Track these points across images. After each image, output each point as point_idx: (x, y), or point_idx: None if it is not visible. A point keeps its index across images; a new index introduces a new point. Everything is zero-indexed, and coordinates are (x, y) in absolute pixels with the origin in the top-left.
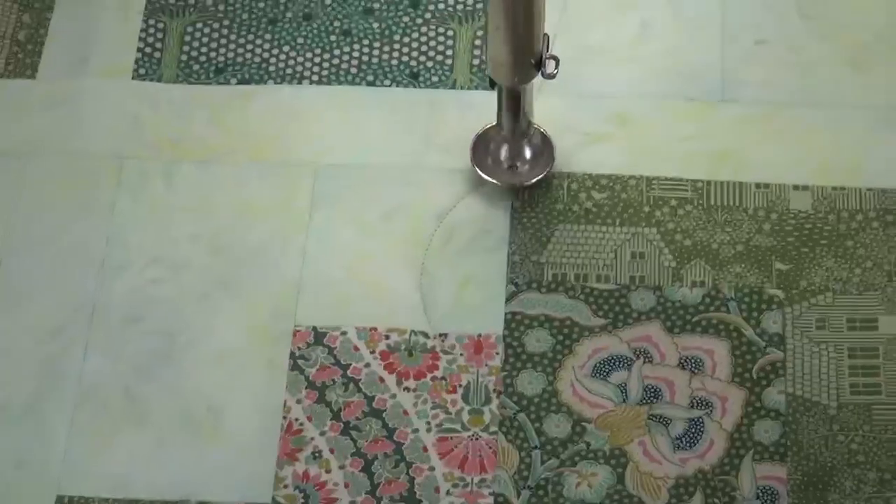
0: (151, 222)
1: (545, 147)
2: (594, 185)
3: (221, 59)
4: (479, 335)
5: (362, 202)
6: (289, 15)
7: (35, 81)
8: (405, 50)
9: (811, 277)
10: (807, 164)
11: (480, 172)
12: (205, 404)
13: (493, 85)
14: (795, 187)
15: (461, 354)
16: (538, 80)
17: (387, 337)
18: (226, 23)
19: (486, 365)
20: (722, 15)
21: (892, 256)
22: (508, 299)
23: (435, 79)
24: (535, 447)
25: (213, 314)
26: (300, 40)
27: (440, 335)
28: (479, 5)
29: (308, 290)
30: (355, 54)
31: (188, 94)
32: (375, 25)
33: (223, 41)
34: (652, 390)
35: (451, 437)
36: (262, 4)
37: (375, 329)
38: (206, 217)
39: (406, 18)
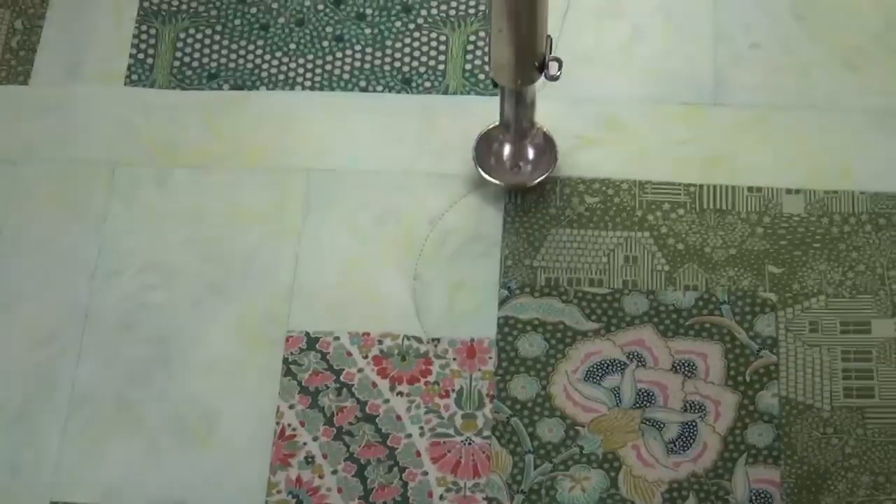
0: (144, 228)
1: (548, 147)
2: (587, 189)
3: (214, 64)
4: (472, 340)
5: (355, 207)
6: (281, 21)
7: (28, 88)
8: (398, 55)
9: (804, 281)
10: (799, 167)
11: (483, 173)
12: (198, 410)
13: (495, 85)
14: (788, 191)
15: (454, 359)
16: (541, 81)
17: (380, 342)
18: (218, 28)
19: (479, 369)
20: (714, 18)
21: (885, 260)
22: (501, 304)
23: (427, 84)
24: (529, 451)
25: (206, 320)
26: (292, 46)
27: (433, 340)
28: (472, 10)
29: (301, 295)
30: (348, 60)
31: (181, 99)
32: (368, 31)
33: (216, 47)
34: (645, 394)
35: (445, 442)
36: (254, 10)
37: (368, 334)
38: (198, 223)
39: (398, 24)
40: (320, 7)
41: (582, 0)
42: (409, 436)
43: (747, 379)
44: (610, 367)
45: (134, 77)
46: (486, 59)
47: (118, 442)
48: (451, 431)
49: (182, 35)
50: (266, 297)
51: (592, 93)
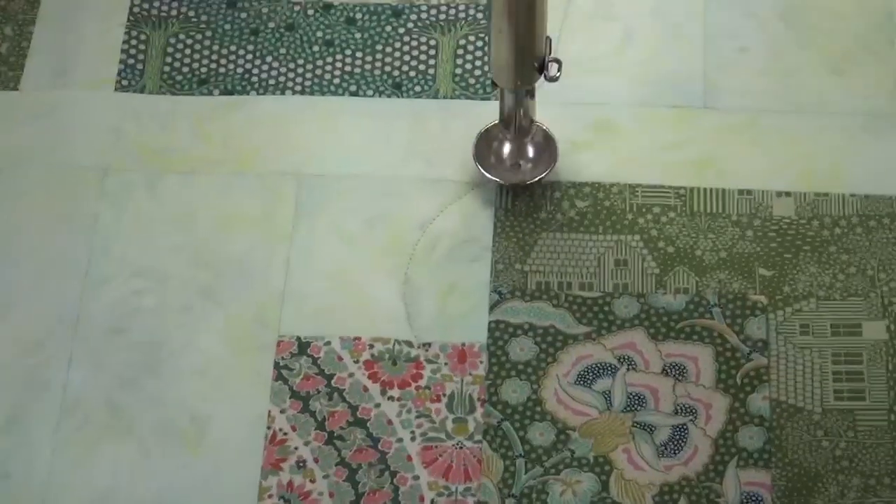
0: (135, 233)
1: (548, 145)
2: (577, 193)
3: (204, 70)
4: (463, 344)
5: (345, 212)
6: (271, 25)
7: (18, 93)
8: (388, 60)
9: (795, 283)
10: (789, 170)
11: (483, 171)
12: (189, 415)
13: (495, 85)
14: (778, 194)
15: (445, 363)
16: (539, 81)
17: (371, 346)
18: (208, 34)
19: (471, 374)
20: (703, 23)
21: (876, 262)
22: (492, 308)
23: (418, 88)
24: (520, 455)
25: (197, 325)
26: (283, 51)
27: (424, 344)
28: (462, 15)
29: (291, 300)
30: (338, 64)
31: (171, 105)
32: (358, 36)
33: (206, 52)
34: (636, 398)
35: (436, 446)
36: (244, 15)
37: (359, 339)
38: (189, 228)
39: (388, 28)
40: (310, 12)
41: (573, 3)
42: (401, 440)
43: (738, 382)
44: (601, 371)
45: (124, 82)
46: (476, 63)
47: (109, 447)
48: (443, 436)
49: (172, 40)
50: (257, 302)
51: (583, 96)
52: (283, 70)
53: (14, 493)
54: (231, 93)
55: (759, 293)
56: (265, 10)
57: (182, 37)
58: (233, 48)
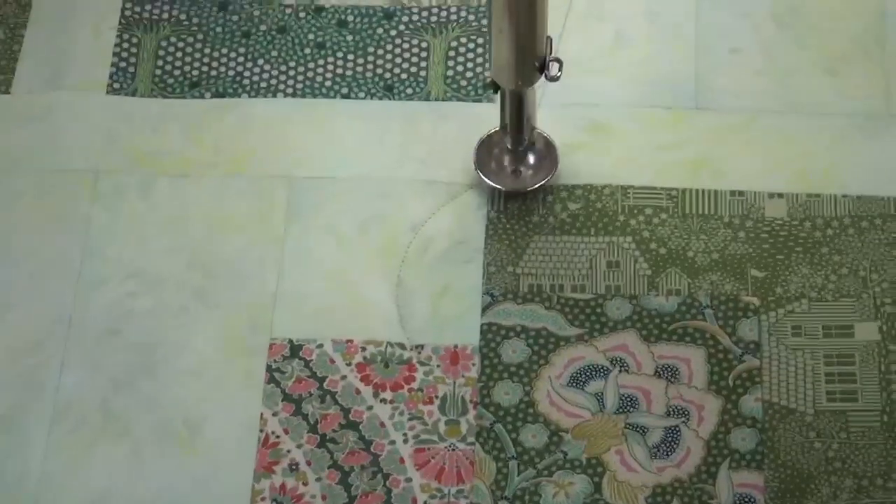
0: (128, 236)
1: (548, 151)
2: (569, 195)
3: (196, 72)
4: (456, 346)
5: (338, 214)
6: (263, 28)
7: (10, 97)
8: (379, 62)
9: (787, 285)
10: (782, 171)
11: (484, 177)
12: (182, 417)
13: (496, 89)
14: (771, 195)
15: (437, 366)
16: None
17: (363, 349)
18: (199, 37)
19: (463, 376)
20: (696, 23)
21: (868, 263)
22: (484, 310)
23: (409, 91)
24: (512, 457)
25: (190, 327)
26: (274, 53)
27: (416, 347)
28: (453, 17)
29: (284, 302)
30: (330, 67)
31: (163, 108)
32: (349, 38)
33: (197, 55)
34: (628, 399)
35: (428, 449)
36: (235, 18)
37: (351, 341)
38: (182, 231)
39: (380, 30)
40: (302, 14)
41: (555, 6)
42: (393, 442)
43: (730, 383)
44: (593, 373)
45: (116, 86)
46: (468, 65)
47: (103, 449)
48: (435, 438)
49: (164, 43)
50: (249, 305)
51: (575, 97)
52: (274, 73)
53: (8, 495)
54: (223, 95)
55: (752, 294)
56: (257, 13)
57: (174, 40)
58: (224, 51)
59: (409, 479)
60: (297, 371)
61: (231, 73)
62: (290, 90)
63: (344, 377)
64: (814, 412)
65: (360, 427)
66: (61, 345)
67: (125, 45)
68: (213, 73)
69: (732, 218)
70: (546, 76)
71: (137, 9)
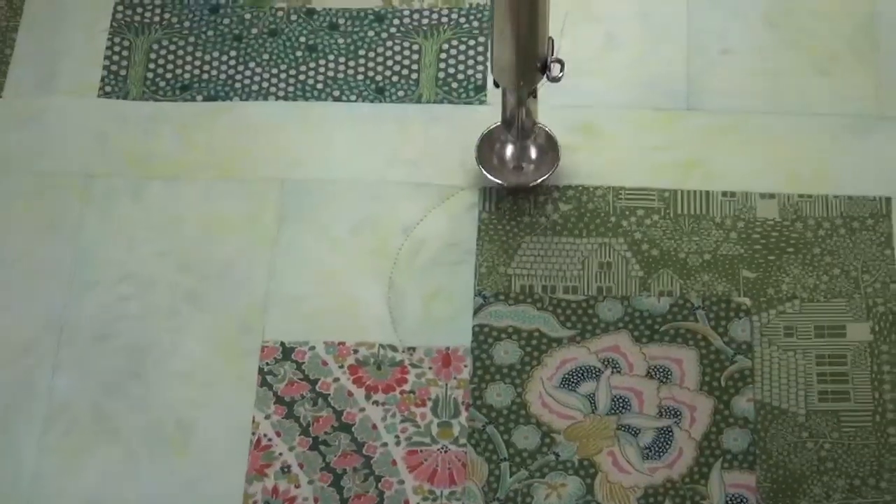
0: (119, 239)
1: (550, 147)
2: (561, 196)
3: (187, 75)
4: (448, 348)
5: (329, 217)
6: (254, 31)
7: (2, 101)
8: (371, 65)
9: (779, 285)
10: (773, 172)
11: (486, 173)
12: (174, 420)
13: (497, 85)
14: (762, 195)
15: (430, 368)
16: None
17: (355, 351)
18: (191, 40)
19: (455, 378)
20: (687, 24)
21: (859, 263)
22: (476, 312)
23: (401, 93)
24: (505, 459)
25: (182, 330)
26: (266, 56)
27: (408, 349)
28: (444, 19)
29: (276, 305)
30: (321, 70)
31: (154, 111)
32: (341, 41)
33: (189, 58)
34: (620, 400)
35: (421, 451)
36: (227, 21)
37: (344, 343)
38: (173, 234)
39: (371, 33)
40: (293, 17)
41: (555, 7)
42: (385, 445)
43: (722, 384)
44: (585, 374)
45: (107, 89)
46: (459, 67)
47: (95, 453)
48: (427, 440)
49: (155, 46)
50: (241, 308)
51: (567, 99)
52: (266, 76)
53: (0, 497)
54: (214, 98)
55: (744, 295)
56: (248, 16)
57: (165, 43)
58: (216, 54)
59: (401, 481)
60: (290, 373)
61: (223, 76)
62: (281, 93)
63: (336, 379)
64: (806, 412)
65: (353, 429)
66: (53, 347)
67: (117, 49)
68: (205, 75)
69: (724, 219)
70: (548, 77)
71: (129, 12)
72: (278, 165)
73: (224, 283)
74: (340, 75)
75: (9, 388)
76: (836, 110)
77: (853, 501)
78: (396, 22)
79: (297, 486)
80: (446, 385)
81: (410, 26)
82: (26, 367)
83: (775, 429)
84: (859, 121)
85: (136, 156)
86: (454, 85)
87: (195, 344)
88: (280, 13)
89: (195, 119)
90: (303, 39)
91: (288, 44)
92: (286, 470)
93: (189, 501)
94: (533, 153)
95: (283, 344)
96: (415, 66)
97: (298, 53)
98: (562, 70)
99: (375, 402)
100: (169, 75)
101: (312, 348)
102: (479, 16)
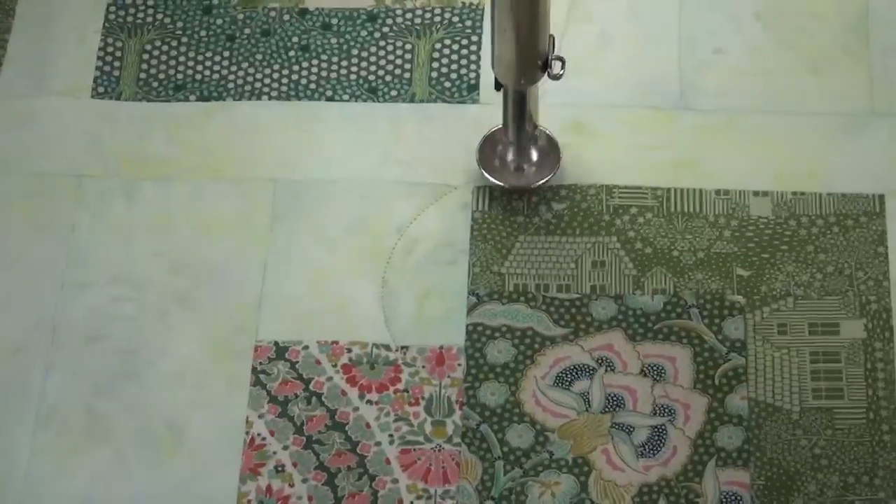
0: (112, 240)
1: (551, 149)
2: (554, 195)
3: (180, 76)
4: (441, 347)
5: (322, 217)
6: (247, 31)
7: None
8: (363, 64)
9: (772, 283)
10: (766, 170)
11: (487, 175)
12: (167, 421)
13: (498, 87)
14: (755, 193)
15: (423, 367)
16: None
17: (349, 350)
18: (184, 40)
19: (449, 377)
20: (680, 23)
21: (853, 261)
22: (469, 311)
23: (394, 93)
24: (498, 458)
25: (175, 331)
26: (258, 56)
27: (402, 348)
28: (437, 19)
29: (269, 305)
30: (314, 69)
31: (147, 111)
32: (333, 41)
33: (181, 59)
34: (614, 399)
35: (414, 450)
36: (219, 21)
37: (337, 343)
38: (166, 234)
39: (364, 33)
40: (286, 17)
41: (556, 7)
42: (379, 444)
43: (716, 382)
44: (579, 373)
45: (100, 90)
46: (452, 66)
47: (87, 454)
48: (421, 439)
49: (148, 47)
50: (234, 308)
51: (560, 98)
52: (259, 76)
53: None
54: (207, 99)
55: (737, 293)
56: (241, 17)
57: (158, 43)
58: (209, 54)
59: (395, 480)
60: (283, 373)
61: (215, 76)
62: (274, 93)
63: (330, 378)
64: (800, 410)
65: (347, 428)
66: (45, 348)
67: (109, 50)
68: (198, 76)
69: (717, 217)
70: (549, 74)
71: (121, 13)
72: (271, 165)
73: (217, 283)
74: (333, 75)
75: (1, 388)
76: (829, 108)
77: (847, 499)
78: (389, 21)
79: (291, 486)
80: (440, 384)
81: (403, 26)
82: (18, 368)
83: (769, 426)
84: (852, 119)
85: (129, 156)
86: (447, 84)
87: (188, 344)
88: (273, 13)
89: (188, 119)
90: (295, 39)
91: (281, 44)
92: (280, 469)
93: (183, 501)
94: (534, 155)
95: (276, 343)
96: (408, 66)
97: (291, 53)
98: (563, 68)
99: (369, 402)
100: (162, 76)
101: (306, 348)
102: (472, 15)
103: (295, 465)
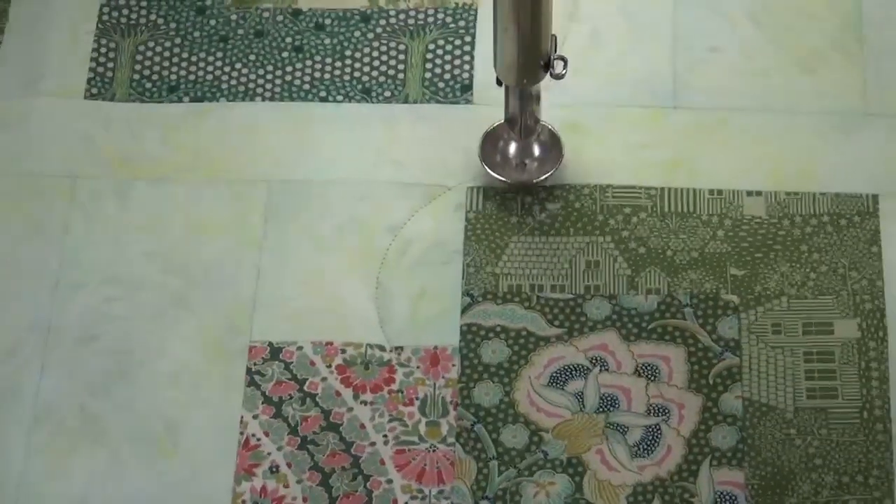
0: (105, 241)
1: (554, 144)
2: (548, 195)
3: (173, 77)
4: (436, 347)
5: (316, 217)
6: (240, 32)
7: None
8: (357, 65)
9: (766, 282)
10: (760, 169)
11: (489, 170)
12: (161, 421)
13: (500, 82)
14: (749, 193)
15: (417, 367)
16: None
17: (343, 351)
18: (177, 41)
19: (443, 377)
20: (673, 22)
21: (847, 260)
22: (464, 311)
23: (387, 93)
24: (493, 458)
25: (169, 332)
26: (252, 57)
27: (396, 348)
28: (430, 19)
29: (263, 305)
30: (307, 70)
31: (141, 112)
32: (327, 41)
33: (175, 59)
34: (609, 398)
35: (409, 450)
36: (213, 22)
37: (331, 343)
38: (160, 235)
39: (357, 33)
40: (279, 18)
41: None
42: (374, 444)
43: (710, 381)
44: (573, 373)
45: (93, 90)
46: (446, 67)
47: (82, 454)
48: (416, 439)
49: (141, 48)
50: (228, 308)
51: (552, 98)
52: (252, 76)
53: None
54: (201, 100)
55: (731, 293)
56: (234, 17)
57: (151, 44)
58: (202, 55)
59: (389, 481)
60: (277, 373)
61: (209, 77)
62: (267, 94)
63: (324, 379)
64: (794, 409)
65: (341, 429)
66: (39, 349)
67: (103, 50)
68: (191, 77)
69: (711, 216)
70: (551, 74)
71: (115, 13)
72: (265, 166)
73: (211, 284)
74: (327, 76)
75: None
76: (823, 108)
77: (842, 498)
78: (382, 22)
79: (286, 486)
80: (434, 384)
81: (397, 26)
82: (12, 369)
83: (763, 426)
84: (846, 118)
85: (122, 157)
86: (441, 85)
87: (182, 345)
88: (266, 14)
89: (181, 120)
90: (289, 40)
91: (274, 44)
92: (274, 470)
93: (177, 502)
94: (536, 150)
95: (270, 344)
96: (401, 67)
97: (285, 54)
98: (565, 67)
99: (363, 402)
100: (155, 77)
101: (300, 348)
102: (465, 15)
103: (289, 465)
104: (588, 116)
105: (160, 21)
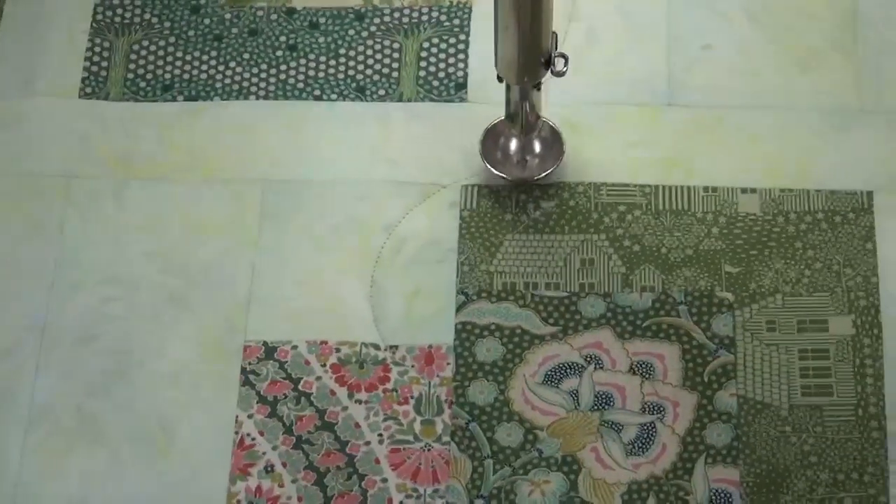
0: (102, 241)
1: (554, 141)
2: (543, 193)
3: (168, 76)
4: (430, 346)
5: (311, 216)
6: (234, 31)
7: None
8: (351, 64)
9: (761, 280)
10: (755, 167)
11: (490, 167)
12: (157, 421)
13: (501, 78)
14: (743, 190)
15: (412, 366)
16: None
17: (337, 350)
18: (172, 40)
19: (438, 376)
20: (668, 20)
21: (841, 257)
22: (458, 309)
23: (382, 92)
24: (488, 456)
25: (165, 331)
26: (246, 56)
27: (391, 347)
28: (425, 17)
29: (258, 305)
30: (301, 69)
31: (135, 112)
32: (321, 39)
33: (169, 58)
34: (603, 396)
35: (404, 449)
36: (207, 21)
37: (326, 342)
38: (156, 235)
39: (351, 32)
40: (273, 17)
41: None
42: (369, 443)
43: (705, 379)
44: (568, 371)
45: (88, 90)
46: (440, 65)
47: (78, 454)
48: (410, 438)
49: (136, 47)
50: (224, 308)
51: (547, 96)
52: (246, 75)
53: None
54: (195, 99)
55: (726, 290)
56: (228, 16)
57: (146, 43)
58: (196, 54)
59: (384, 480)
60: (272, 373)
61: (203, 76)
62: (262, 92)
63: (319, 378)
64: (789, 407)
65: (336, 428)
66: (36, 349)
67: (97, 50)
68: (186, 76)
69: (706, 214)
70: (552, 71)
71: (109, 13)
72: (260, 165)
73: (207, 284)
74: (321, 74)
75: None
76: (818, 105)
77: (837, 495)
78: (377, 20)
79: (281, 486)
80: (429, 383)
81: (391, 25)
82: (9, 370)
83: (758, 423)
84: (841, 116)
85: (117, 157)
86: (435, 83)
87: (178, 345)
88: (260, 13)
89: (176, 119)
90: (283, 39)
91: (268, 43)
92: (270, 469)
93: (173, 502)
94: (537, 147)
95: (265, 343)
96: (395, 65)
97: (279, 53)
98: (566, 65)
99: (358, 401)
100: (150, 76)
101: (295, 347)
102: (460, 14)
103: (284, 465)
104: (583, 115)
105: (154, 20)
